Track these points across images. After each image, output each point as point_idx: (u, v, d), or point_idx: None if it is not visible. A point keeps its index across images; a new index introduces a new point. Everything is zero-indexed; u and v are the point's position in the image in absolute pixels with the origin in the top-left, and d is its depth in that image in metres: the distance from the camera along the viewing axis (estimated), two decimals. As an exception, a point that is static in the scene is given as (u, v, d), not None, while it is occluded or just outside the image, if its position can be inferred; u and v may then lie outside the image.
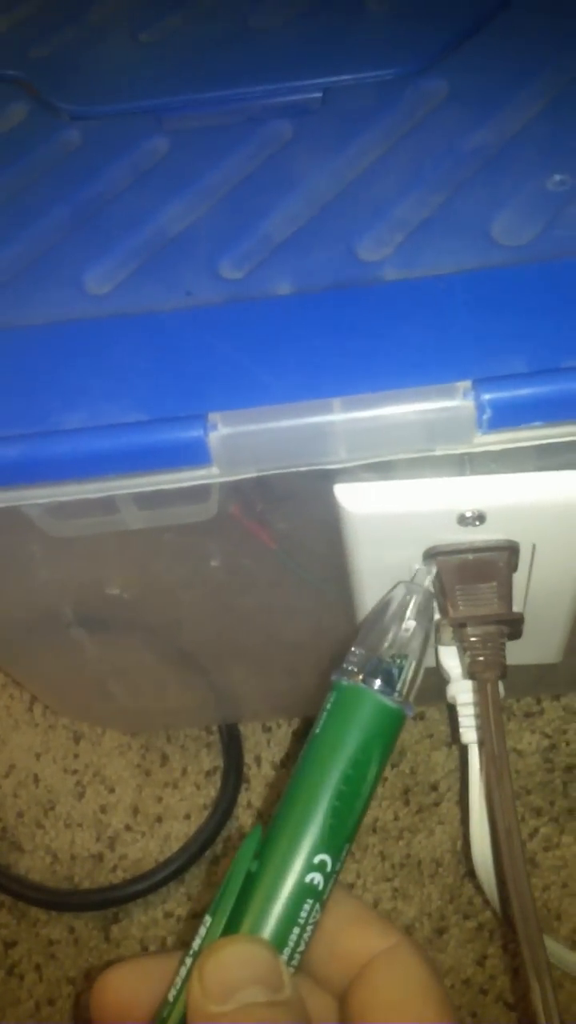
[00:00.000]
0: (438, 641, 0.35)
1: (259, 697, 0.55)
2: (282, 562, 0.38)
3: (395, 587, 0.32)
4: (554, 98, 0.34)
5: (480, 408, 0.26)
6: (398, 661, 0.30)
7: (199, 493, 0.31)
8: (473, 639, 0.33)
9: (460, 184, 0.32)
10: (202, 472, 0.27)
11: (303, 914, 0.26)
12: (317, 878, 0.26)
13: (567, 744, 0.53)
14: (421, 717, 0.55)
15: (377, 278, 0.29)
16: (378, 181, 0.32)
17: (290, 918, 0.26)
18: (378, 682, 0.29)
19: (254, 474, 0.28)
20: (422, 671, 0.31)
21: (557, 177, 0.31)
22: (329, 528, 0.33)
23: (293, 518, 0.35)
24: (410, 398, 0.26)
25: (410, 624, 0.31)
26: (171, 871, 0.52)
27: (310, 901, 0.26)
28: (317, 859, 0.26)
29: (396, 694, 0.29)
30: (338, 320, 0.28)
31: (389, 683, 0.29)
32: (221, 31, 0.38)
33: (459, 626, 0.33)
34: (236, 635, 0.47)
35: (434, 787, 0.53)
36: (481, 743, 0.33)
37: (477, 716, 0.33)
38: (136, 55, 0.38)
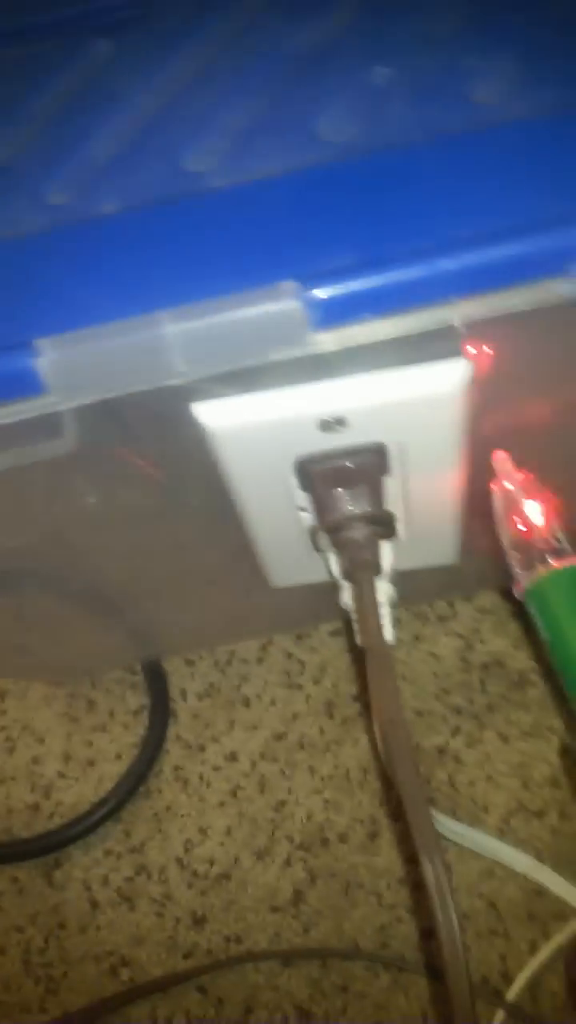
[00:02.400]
0: (317, 548, 0.35)
1: (177, 631, 0.55)
2: (166, 490, 0.38)
3: None
4: (376, -10, 0.33)
5: (308, 306, 0.26)
6: None
7: (50, 427, 0.30)
8: (347, 541, 0.33)
9: (284, 86, 0.31)
10: (39, 402, 0.27)
11: None
12: None
13: (482, 643, 0.54)
14: (340, 632, 0.56)
15: (204, 188, 0.29)
16: (202, 91, 0.32)
17: None
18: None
19: (96, 398, 0.27)
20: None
21: (380, 70, 0.31)
22: (202, 450, 0.33)
23: (164, 443, 0.35)
24: (238, 304, 0.26)
25: None
26: (107, 810, 0.53)
27: None
28: None
29: None
30: (165, 233, 0.28)
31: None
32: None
33: (333, 531, 0.33)
34: (142, 571, 0.47)
35: (356, 698, 0.54)
36: (364, 642, 0.34)
37: (356, 614, 0.34)
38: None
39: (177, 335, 0.26)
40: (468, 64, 0.31)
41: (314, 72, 0.32)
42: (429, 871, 0.28)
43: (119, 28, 0.34)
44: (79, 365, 0.26)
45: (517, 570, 0.33)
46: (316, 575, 0.42)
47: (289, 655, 0.56)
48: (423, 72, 0.31)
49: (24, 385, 0.26)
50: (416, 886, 0.49)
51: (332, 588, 0.40)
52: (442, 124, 0.30)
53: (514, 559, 0.33)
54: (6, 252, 0.28)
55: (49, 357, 0.26)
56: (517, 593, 0.33)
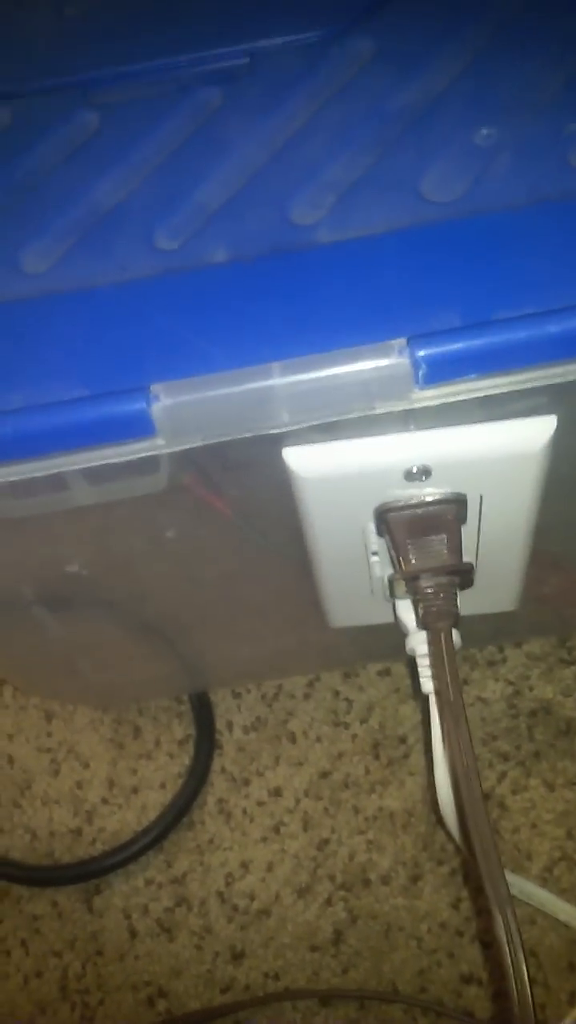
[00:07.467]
0: (392, 595, 0.36)
1: (227, 664, 0.55)
2: (240, 529, 0.39)
3: None
4: (478, 52, 0.34)
5: (416, 364, 0.26)
6: None
7: (148, 465, 0.31)
8: (426, 591, 0.33)
9: (389, 143, 0.32)
10: (147, 444, 0.27)
11: None
12: None
13: (530, 689, 0.54)
14: (387, 672, 0.56)
15: (311, 241, 0.30)
16: (308, 144, 0.33)
17: None
18: None
19: (199, 443, 0.28)
20: None
21: (484, 131, 0.32)
22: (282, 492, 0.34)
23: (245, 484, 0.35)
24: (347, 359, 0.27)
25: None
26: (149, 840, 0.53)
27: None
28: None
29: None
30: (274, 285, 0.29)
31: None
32: (145, 1, 0.38)
33: (412, 579, 0.34)
34: (199, 604, 0.47)
35: (403, 740, 0.54)
36: (438, 692, 0.34)
37: (432, 665, 0.34)
38: (61, 29, 0.38)
39: (287, 387, 0.27)
40: (568, 129, 0.32)
41: (418, 130, 0.32)
42: (500, 924, 0.29)
43: (228, 78, 0.35)
44: (190, 411, 0.27)
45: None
46: (376, 618, 0.43)
47: (336, 693, 0.56)
48: (525, 135, 0.32)
49: (136, 427, 0.27)
50: (457, 931, 0.49)
51: (387, 630, 0.41)
52: (543, 189, 0.30)
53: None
54: (118, 296, 0.29)
55: (163, 402, 0.26)
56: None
